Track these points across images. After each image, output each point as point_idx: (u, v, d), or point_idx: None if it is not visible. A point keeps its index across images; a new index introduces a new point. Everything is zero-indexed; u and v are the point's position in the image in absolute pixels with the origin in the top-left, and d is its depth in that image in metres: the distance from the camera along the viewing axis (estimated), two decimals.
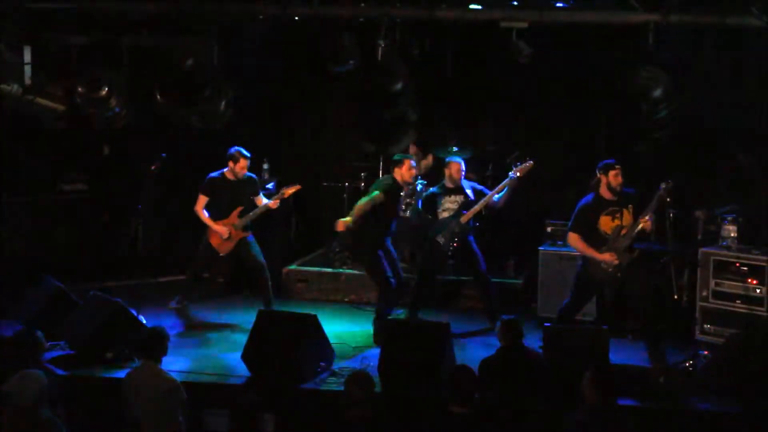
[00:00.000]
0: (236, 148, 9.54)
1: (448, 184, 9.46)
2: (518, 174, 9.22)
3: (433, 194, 9.51)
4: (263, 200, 9.69)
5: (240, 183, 9.64)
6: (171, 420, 6.56)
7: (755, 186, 10.00)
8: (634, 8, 8.66)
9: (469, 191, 9.42)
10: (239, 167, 9.51)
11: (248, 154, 9.56)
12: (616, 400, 6.31)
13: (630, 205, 8.41)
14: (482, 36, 9.71)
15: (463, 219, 9.28)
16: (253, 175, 9.82)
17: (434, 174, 10.47)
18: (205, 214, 9.64)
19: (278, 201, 9.65)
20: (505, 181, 9.26)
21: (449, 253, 9.39)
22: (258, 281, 9.82)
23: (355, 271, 10.78)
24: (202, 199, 9.66)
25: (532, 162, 9.25)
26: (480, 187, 9.54)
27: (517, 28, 8.84)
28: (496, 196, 9.26)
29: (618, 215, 8.43)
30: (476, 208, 9.29)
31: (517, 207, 10.56)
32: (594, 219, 8.45)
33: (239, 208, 9.64)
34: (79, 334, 8.44)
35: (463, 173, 9.44)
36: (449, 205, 9.38)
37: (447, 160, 9.58)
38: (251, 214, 9.62)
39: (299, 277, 10.90)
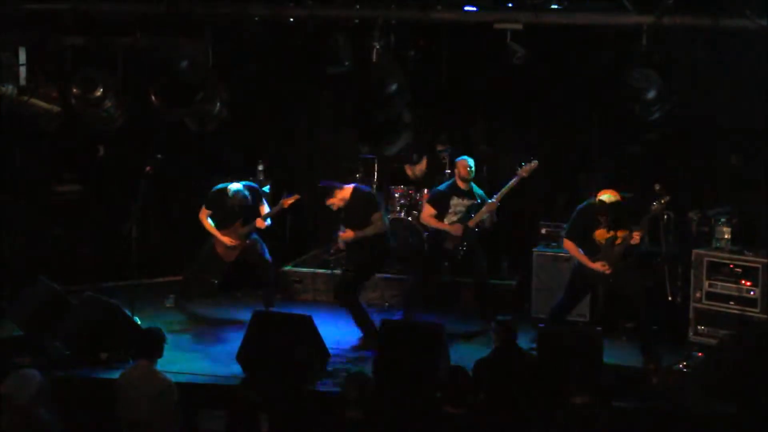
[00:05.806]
0: (236, 190, 9.54)
1: (459, 184, 9.45)
2: (523, 174, 9.22)
3: (442, 192, 9.49)
4: (266, 208, 9.73)
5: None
6: (165, 420, 6.56)
7: (749, 187, 10.03)
8: (628, 10, 8.67)
9: (476, 192, 9.43)
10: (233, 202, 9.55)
11: (245, 193, 9.59)
12: (607, 400, 6.35)
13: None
14: (477, 37, 9.72)
15: (471, 223, 9.28)
16: (254, 184, 9.88)
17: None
18: (210, 224, 9.68)
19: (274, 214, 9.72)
20: (510, 182, 9.26)
21: (459, 258, 9.37)
22: (262, 279, 9.87)
23: None
24: (206, 211, 9.70)
25: (536, 162, 9.24)
26: (480, 191, 9.54)
27: (511, 29, 8.85)
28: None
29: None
30: (483, 211, 9.28)
31: (511, 208, 10.60)
32: (591, 227, 8.48)
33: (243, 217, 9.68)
34: (74, 335, 8.45)
35: (472, 172, 9.43)
36: (460, 208, 9.37)
37: (456, 159, 9.59)
38: (254, 223, 9.65)
39: (294, 278, 10.91)
